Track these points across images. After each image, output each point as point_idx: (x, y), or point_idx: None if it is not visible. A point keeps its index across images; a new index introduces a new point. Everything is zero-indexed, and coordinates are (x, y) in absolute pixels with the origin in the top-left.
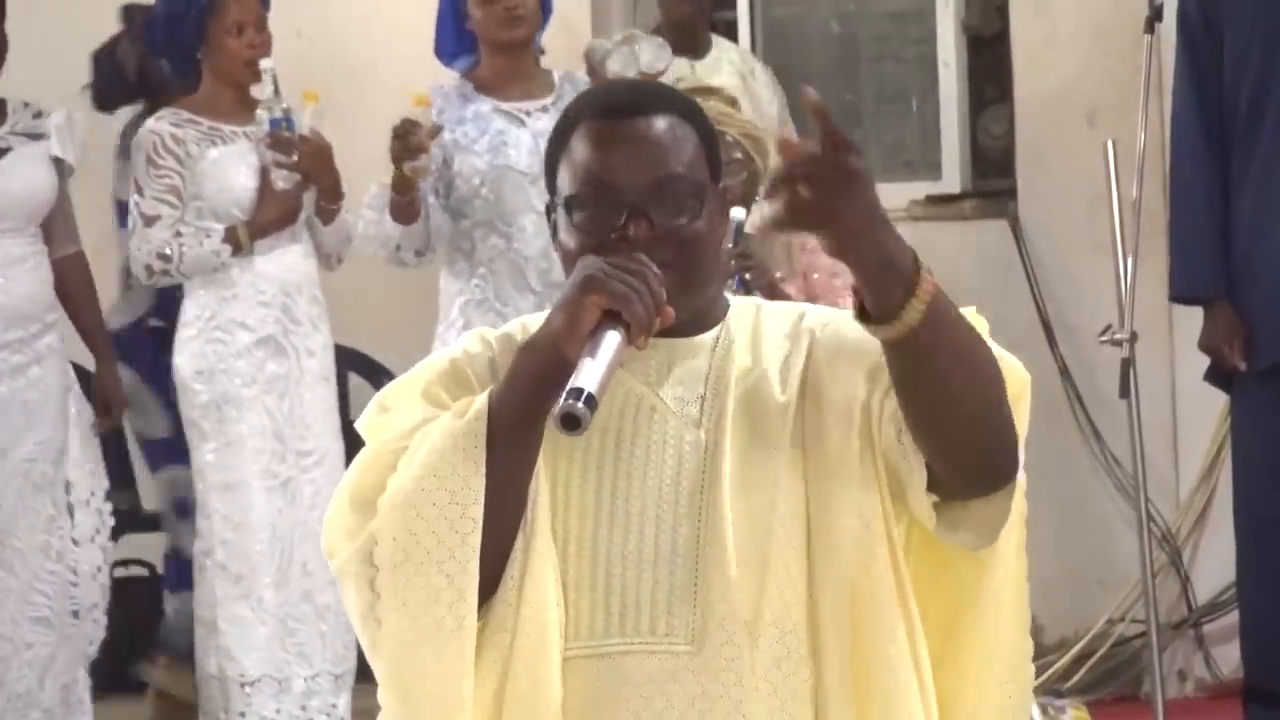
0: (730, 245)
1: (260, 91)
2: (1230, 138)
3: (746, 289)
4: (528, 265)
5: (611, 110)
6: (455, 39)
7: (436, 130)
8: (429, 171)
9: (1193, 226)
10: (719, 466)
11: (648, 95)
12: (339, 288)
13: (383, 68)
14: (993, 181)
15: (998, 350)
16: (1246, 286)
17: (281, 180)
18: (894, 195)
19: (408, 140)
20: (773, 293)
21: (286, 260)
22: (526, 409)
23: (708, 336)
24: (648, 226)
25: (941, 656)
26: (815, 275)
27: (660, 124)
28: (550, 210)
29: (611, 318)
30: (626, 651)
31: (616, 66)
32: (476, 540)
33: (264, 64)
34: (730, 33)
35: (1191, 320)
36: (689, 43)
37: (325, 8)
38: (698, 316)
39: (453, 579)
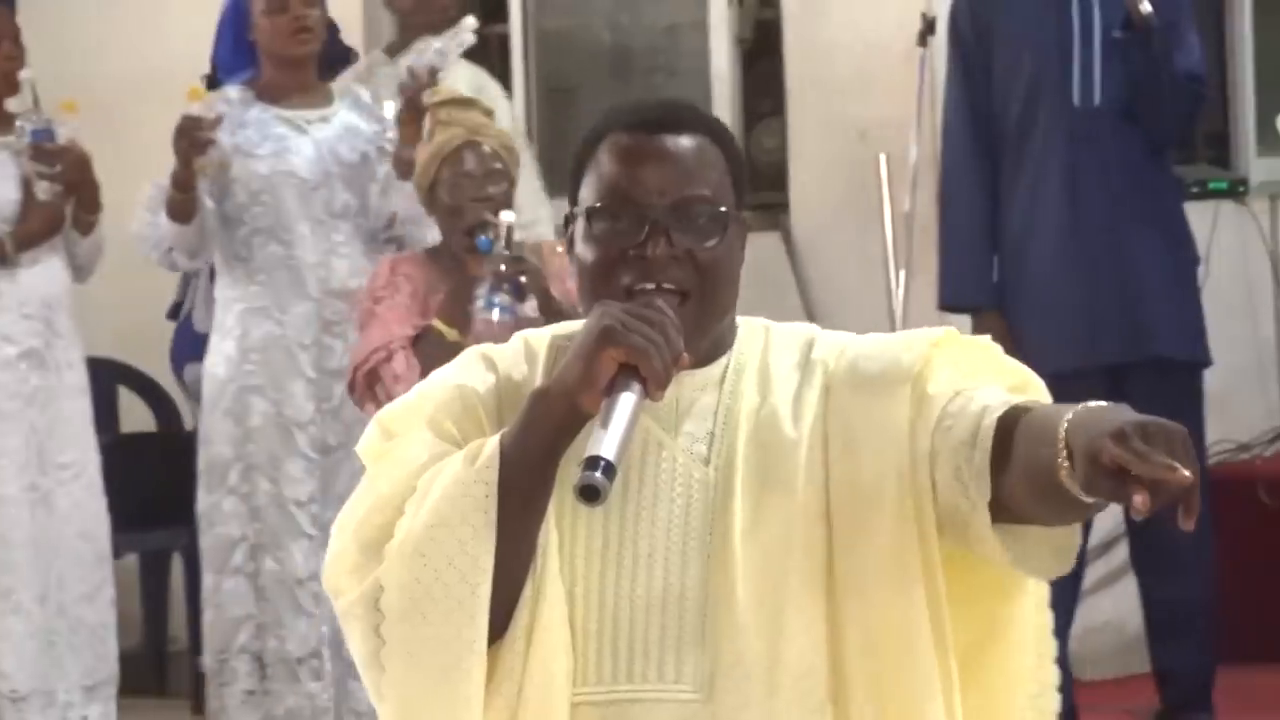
0: (504, 250)
1: (19, 104)
2: (1001, 150)
3: (520, 294)
4: (307, 272)
5: (642, 124)
6: (234, 52)
7: (218, 120)
8: (215, 164)
9: (963, 236)
10: (729, 506)
11: (681, 113)
12: (105, 299)
13: (156, 79)
14: (765, 195)
15: (1022, 370)
16: (1016, 296)
17: (43, 191)
18: None
19: (194, 135)
20: (547, 300)
21: (48, 273)
22: (539, 459)
23: (715, 369)
24: (666, 245)
25: (961, 681)
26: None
27: (689, 143)
28: (569, 220)
29: (628, 370)
30: (635, 699)
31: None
32: (486, 591)
33: (22, 75)
34: (502, 45)
35: (962, 332)
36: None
37: (99, 18)
38: (708, 347)
39: (460, 630)
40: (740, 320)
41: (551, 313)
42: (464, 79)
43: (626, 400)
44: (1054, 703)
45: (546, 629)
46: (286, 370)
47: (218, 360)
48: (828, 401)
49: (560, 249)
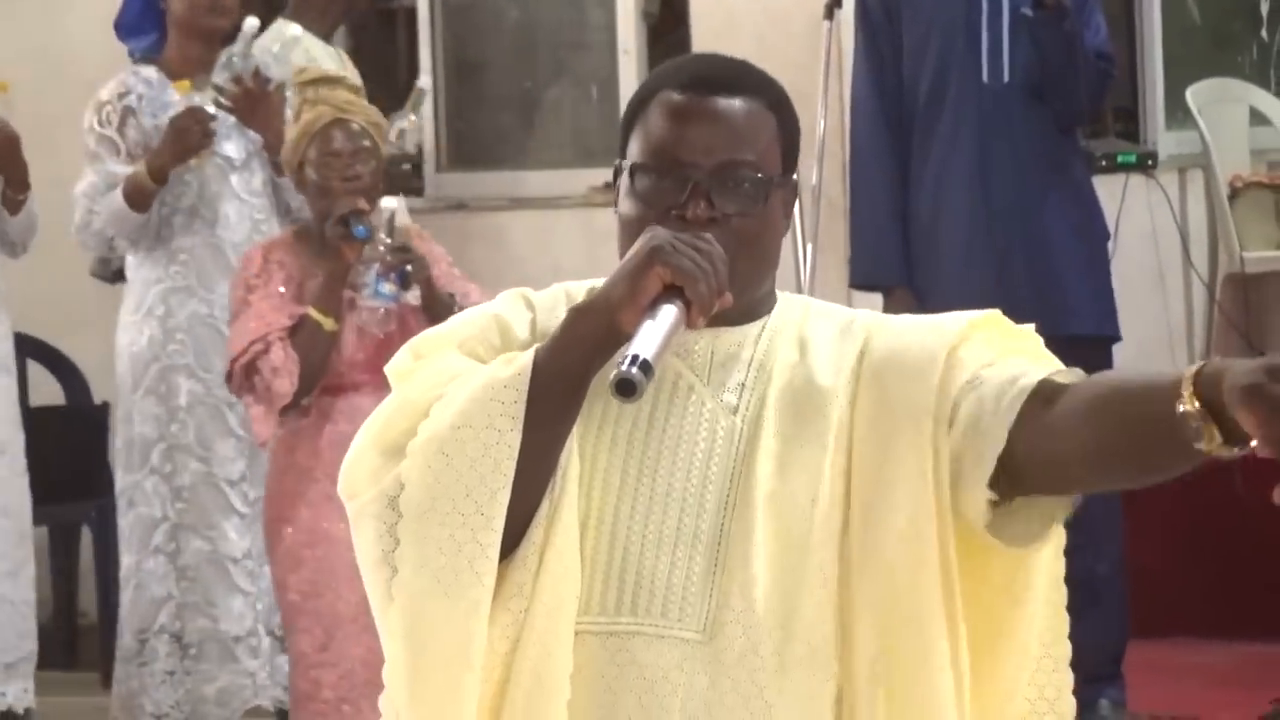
0: (384, 235)
1: None
2: (910, 125)
3: (405, 282)
4: (231, 251)
5: (695, 84)
6: (140, 15)
7: (214, 116)
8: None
9: (872, 213)
10: (753, 458)
11: (735, 74)
12: (11, 273)
13: (71, 58)
14: None
15: (1058, 362)
16: (926, 272)
17: None
18: (573, 182)
19: (206, 127)
20: (430, 289)
21: None
22: (573, 372)
23: (752, 327)
24: (707, 208)
25: (974, 676)
26: (437, 264)
27: (741, 106)
28: (617, 173)
29: (673, 292)
30: (635, 632)
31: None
32: (505, 497)
33: None
34: (409, 20)
35: (872, 309)
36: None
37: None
38: (746, 307)
39: (477, 533)
40: (781, 294)
41: (434, 302)
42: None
43: (669, 313)
44: (1071, 706)
45: (559, 551)
46: (214, 349)
47: (138, 339)
48: (863, 362)
49: (425, 235)
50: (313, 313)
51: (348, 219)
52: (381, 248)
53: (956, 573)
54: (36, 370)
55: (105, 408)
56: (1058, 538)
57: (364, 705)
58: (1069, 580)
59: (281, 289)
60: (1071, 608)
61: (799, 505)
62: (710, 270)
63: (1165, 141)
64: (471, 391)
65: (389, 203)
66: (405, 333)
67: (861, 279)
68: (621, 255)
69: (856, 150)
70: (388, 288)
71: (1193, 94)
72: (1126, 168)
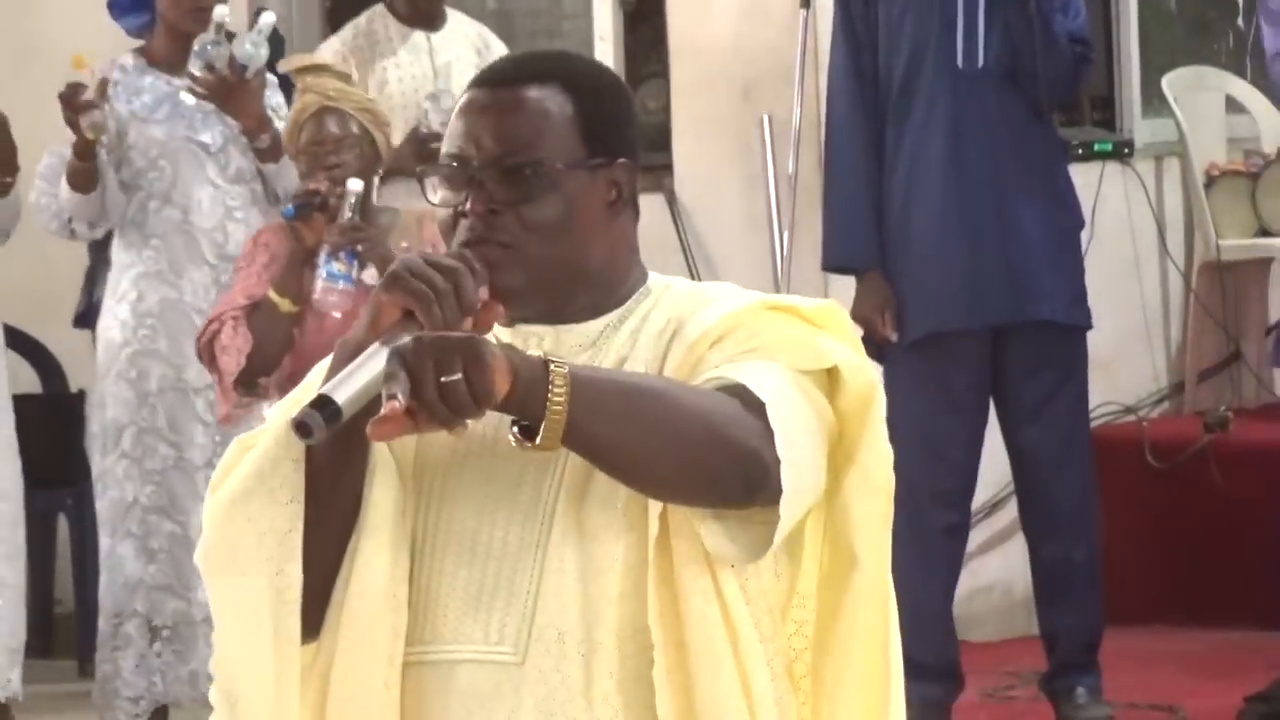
0: (346, 216)
1: None
2: (885, 111)
3: (360, 262)
4: (203, 237)
5: (484, 79)
6: None
7: (104, 84)
8: (105, 129)
9: (847, 197)
10: (567, 464)
11: (528, 64)
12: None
13: (49, 45)
14: (649, 156)
15: (831, 357)
16: (899, 257)
17: None
18: None
19: (75, 101)
20: (384, 266)
21: None
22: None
23: (596, 324)
24: (485, 201)
25: (817, 666)
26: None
27: (524, 94)
28: None
29: (410, 317)
30: (460, 660)
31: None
32: (297, 540)
33: None
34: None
35: (847, 295)
36: (425, 16)
37: None
38: (590, 304)
39: (271, 579)
40: (654, 279)
41: None
42: (466, 35)
43: (375, 348)
44: (891, 699)
45: (362, 581)
46: (185, 335)
47: (112, 324)
48: (665, 359)
49: (441, 215)
50: (270, 293)
51: (301, 202)
52: (339, 229)
53: (731, 588)
54: (13, 359)
55: (82, 396)
56: (882, 520)
57: None
58: (1045, 567)
59: (262, 271)
60: (1047, 597)
61: (608, 516)
62: (447, 290)
63: (1141, 130)
64: (262, 445)
65: (354, 184)
66: None
67: (834, 263)
68: None
69: (832, 135)
70: (337, 267)
71: (1169, 82)
72: (1103, 156)
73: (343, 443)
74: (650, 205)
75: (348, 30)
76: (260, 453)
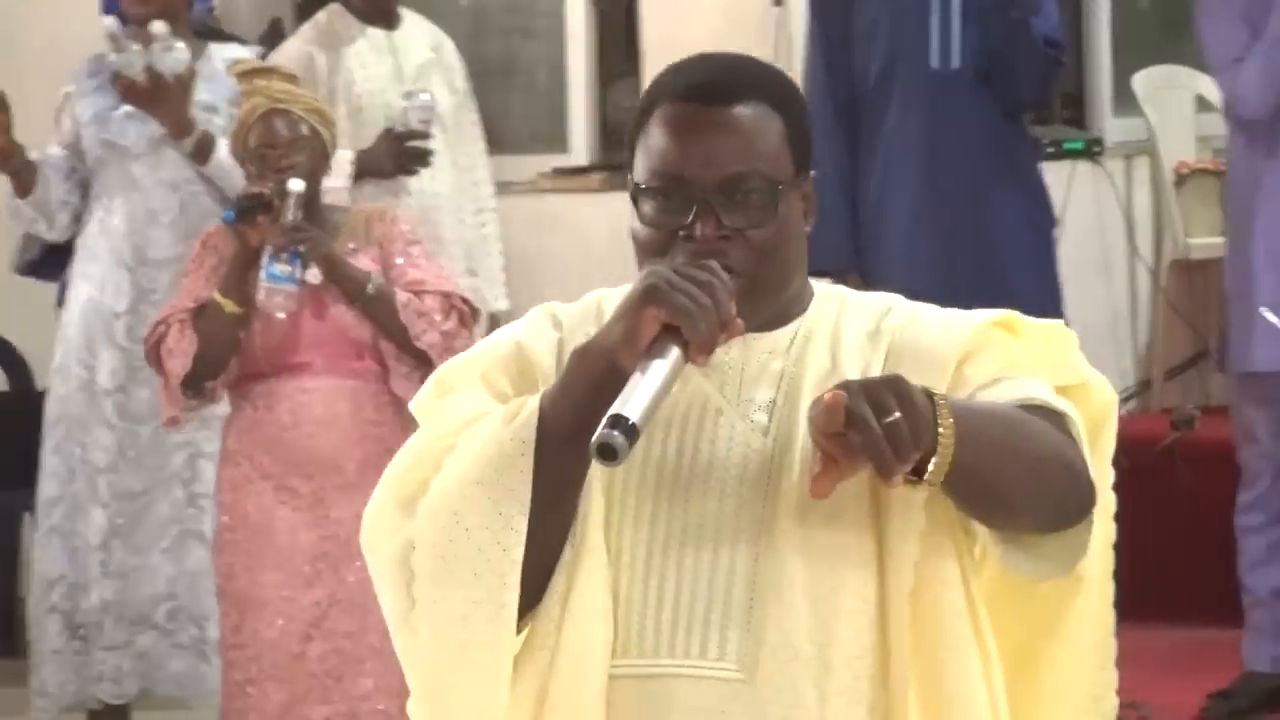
0: (289, 217)
1: None
2: (859, 111)
3: (303, 262)
4: (122, 241)
5: (692, 93)
6: None
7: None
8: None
9: (821, 198)
10: (784, 479)
11: (735, 79)
12: None
13: (30, 41)
14: (621, 154)
15: (1082, 373)
16: (873, 257)
17: None
18: (522, 168)
19: None
20: (329, 265)
21: None
22: (577, 420)
23: (784, 333)
24: (715, 226)
25: (1015, 681)
26: (393, 244)
27: (742, 113)
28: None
29: (671, 332)
30: (676, 674)
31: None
32: (519, 553)
33: None
34: None
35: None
36: (382, 13)
37: None
38: (775, 313)
39: (492, 593)
40: (818, 287)
41: (341, 280)
42: (422, 36)
43: (662, 363)
44: (1114, 705)
45: (583, 596)
46: (100, 337)
47: (62, 320)
48: (882, 372)
49: (389, 215)
50: (216, 296)
51: (243, 204)
52: (281, 231)
53: (978, 594)
54: None
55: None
56: (1103, 538)
57: (270, 688)
58: None
59: (210, 274)
60: None
61: (830, 529)
62: (709, 305)
63: (1112, 128)
64: (480, 447)
65: (295, 185)
66: (318, 312)
67: (810, 264)
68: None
69: None
70: (280, 268)
71: (1139, 81)
72: (1073, 154)
73: (575, 459)
74: (622, 203)
75: (308, 28)
76: (477, 460)
